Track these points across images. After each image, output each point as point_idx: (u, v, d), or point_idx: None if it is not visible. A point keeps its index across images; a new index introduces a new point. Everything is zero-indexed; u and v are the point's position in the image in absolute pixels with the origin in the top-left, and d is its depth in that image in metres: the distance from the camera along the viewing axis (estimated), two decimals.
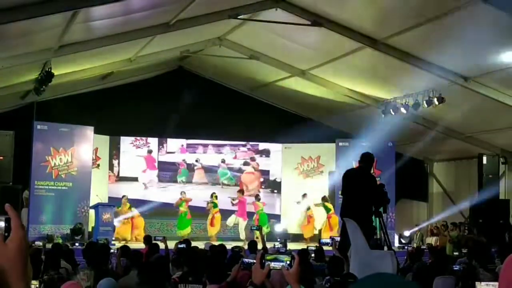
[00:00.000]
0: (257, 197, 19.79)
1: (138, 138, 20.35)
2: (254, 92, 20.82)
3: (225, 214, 19.44)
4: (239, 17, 13.92)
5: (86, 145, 17.49)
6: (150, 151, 20.52)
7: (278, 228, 20.10)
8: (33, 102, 17.36)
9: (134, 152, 20.39)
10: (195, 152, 20.99)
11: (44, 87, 14.70)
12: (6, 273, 1.52)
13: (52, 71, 13.85)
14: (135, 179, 20.31)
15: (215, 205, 19.26)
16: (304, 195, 20.10)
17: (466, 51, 13.50)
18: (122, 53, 15.79)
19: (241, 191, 19.91)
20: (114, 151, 20.07)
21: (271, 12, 13.58)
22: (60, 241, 15.04)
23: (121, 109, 18.74)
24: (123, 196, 18.81)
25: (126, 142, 20.29)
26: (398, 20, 12.83)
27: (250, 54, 16.94)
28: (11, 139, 16.00)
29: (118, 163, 20.16)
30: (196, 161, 20.88)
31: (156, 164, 20.60)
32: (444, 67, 14.37)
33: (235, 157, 21.24)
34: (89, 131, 17.52)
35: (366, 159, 9.02)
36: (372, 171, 9.66)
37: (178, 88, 19.60)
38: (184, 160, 20.80)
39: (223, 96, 20.35)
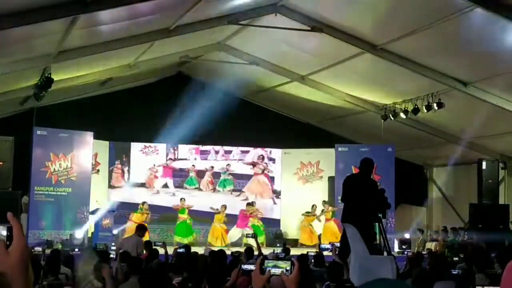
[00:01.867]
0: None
1: (147, 145, 20.42)
2: (254, 98, 20.80)
3: (230, 219, 19.51)
4: (238, 22, 13.94)
5: (85, 151, 17.47)
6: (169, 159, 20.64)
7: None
8: (32, 107, 17.37)
9: (144, 159, 20.46)
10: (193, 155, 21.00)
11: (43, 92, 14.71)
12: (8, 280, 1.53)
13: (52, 76, 13.87)
14: (143, 185, 20.36)
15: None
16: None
17: (465, 56, 13.54)
18: (122, 58, 15.81)
19: (251, 204, 19.91)
20: (125, 158, 20.19)
21: (270, 17, 13.60)
22: (60, 246, 15.02)
23: (121, 115, 18.73)
24: (143, 203, 18.79)
25: (136, 149, 20.40)
26: (397, 25, 12.85)
27: (250, 59, 16.95)
28: (10, 145, 15.96)
29: (128, 170, 20.26)
30: (211, 167, 20.85)
31: (171, 172, 20.68)
32: (443, 72, 14.39)
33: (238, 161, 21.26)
34: (89, 136, 17.51)
35: (366, 164, 9.01)
36: (372, 177, 9.66)
37: (177, 93, 19.58)
38: (193, 165, 20.78)
39: (222, 101, 20.27)
